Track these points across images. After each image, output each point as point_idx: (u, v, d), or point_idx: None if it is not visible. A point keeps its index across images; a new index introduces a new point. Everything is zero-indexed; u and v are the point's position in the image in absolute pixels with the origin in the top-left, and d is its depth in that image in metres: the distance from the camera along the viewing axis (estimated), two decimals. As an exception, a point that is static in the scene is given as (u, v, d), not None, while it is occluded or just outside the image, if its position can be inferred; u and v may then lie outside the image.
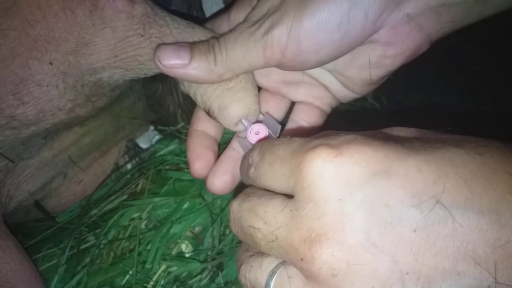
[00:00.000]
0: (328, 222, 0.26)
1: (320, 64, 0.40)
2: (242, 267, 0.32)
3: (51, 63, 0.42)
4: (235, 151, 0.45)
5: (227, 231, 0.61)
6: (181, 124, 0.68)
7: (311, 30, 0.37)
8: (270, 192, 0.32)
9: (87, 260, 0.59)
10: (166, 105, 0.68)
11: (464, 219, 0.24)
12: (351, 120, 0.56)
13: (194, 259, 0.59)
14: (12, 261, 0.50)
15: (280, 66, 0.41)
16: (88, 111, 0.50)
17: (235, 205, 0.33)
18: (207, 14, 0.63)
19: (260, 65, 0.41)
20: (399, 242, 0.25)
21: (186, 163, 0.65)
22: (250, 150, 0.35)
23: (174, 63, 0.40)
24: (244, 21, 0.42)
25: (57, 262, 0.59)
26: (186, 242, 0.60)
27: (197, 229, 0.61)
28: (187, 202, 0.61)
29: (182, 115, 0.69)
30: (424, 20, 0.38)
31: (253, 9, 0.42)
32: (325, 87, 0.46)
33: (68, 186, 0.63)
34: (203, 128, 0.47)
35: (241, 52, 0.40)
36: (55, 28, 0.41)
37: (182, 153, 0.66)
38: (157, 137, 0.70)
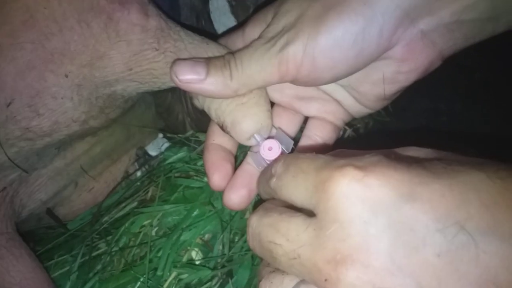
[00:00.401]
0: (353, 244, 0.26)
1: (334, 80, 0.40)
2: (262, 282, 0.32)
3: (66, 76, 0.42)
4: (250, 165, 0.45)
5: (236, 239, 0.61)
6: (190, 132, 0.68)
7: (326, 47, 0.37)
8: (291, 210, 0.31)
9: (99, 267, 0.59)
10: (175, 113, 0.68)
11: (487, 245, 0.24)
12: (357, 128, 0.56)
13: (204, 266, 0.58)
14: (25, 269, 0.50)
15: (295, 82, 0.41)
16: (101, 122, 0.50)
17: (254, 220, 0.32)
18: (215, 24, 0.63)
19: (275, 81, 0.41)
20: (423, 266, 0.25)
21: (196, 171, 0.65)
22: (274, 161, 0.35)
23: (190, 78, 0.40)
24: (259, 37, 0.42)
25: (69, 269, 0.59)
26: (196, 249, 0.60)
27: (206, 236, 0.61)
28: (197, 210, 0.61)
29: (191, 123, 0.68)
30: (437, 36, 0.38)
31: (268, 26, 0.42)
32: (338, 102, 0.46)
33: (79, 194, 0.63)
34: (218, 142, 0.47)
35: (257, 68, 0.40)
36: (70, 41, 0.41)
37: (192, 160, 0.66)
38: (166, 144, 0.70)
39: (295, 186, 0.31)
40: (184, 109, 0.67)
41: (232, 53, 0.42)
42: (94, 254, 0.60)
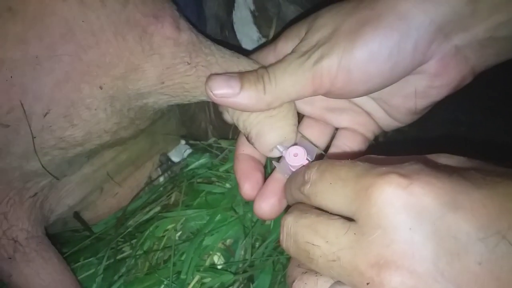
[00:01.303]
0: (398, 250, 0.26)
1: (368, 93, 0.40)
2: (296, 283, 0.31)
3: (101, 88, 0.42)
4: (280, 174, 0.45)
5: (257, 244, 0.60)
6: (212, 139, 0.67)
7: (361, 61, 0.37)
8: (327, 212, 0.31)
9: (123, 270, 0.59)
10: (198, 121, 0.67)
11: None
12: (376, 137, 0.55)
13: (226, 270, 0.58)
14: (54, 272, 0.50)
15: (327, 94, 0.40)
16: (132, 133, 0.50)
17: (289, 220, 0.32)
18: (238, 34, 0.63)
19: (308, 94, 0.40)
20: (465, 274, 0.25)
21: (217, 177, 0.64)
22: (304, 168, 0.34)
23: (224, 92, 0.40)
24: (293, 51, 0.41)
25: (95, 271, 0.58)
26: (218, 254, 0.60)
27: (228, 241, 0.61)
28: (219, 215, 0.61)
29: (213, 131, 0.68)
30: (470, 52, 0.37)
31: (302, 40, 0.41)
32: (369, 114, 0.45)
33: (104, 199, 0.63)
34: (248, 152, 0.46)
35: (290, 82, 0.39)
36: (106, 54, 0.40)
37: (214, 166, 0.66)
38: (188, 151, 0.70)
39: (333, 193, 0.30)
40: (207, 117, 0.67)
41: (265, 67, 0.42)
42: (119, 257, 0.60)
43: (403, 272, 0.26)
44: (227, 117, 0.47)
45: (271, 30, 0.62)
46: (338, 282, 0.29)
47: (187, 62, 0.43)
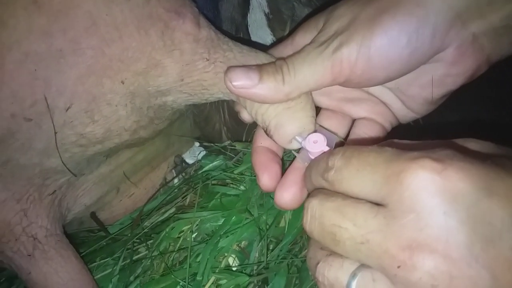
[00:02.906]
0: (432, 234, 0.25)
1: (387, 80, 0.40)
2: (320, 264, 0.31)
3: (122, 82, 0.41)
4: (300, 163, 0.44)
5: (271, 246, 0.59)
6: (227, 142, 0.67)
7: (381, 47, 0.37)
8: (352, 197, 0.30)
9: (139, 270, 0.58)
10: (212, 123, 0.67)
11: None
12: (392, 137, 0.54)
13: (241, 272, 0.57)
14: (72, 270, 0.50)
15: (346, 82, 0.40)
16: (150, 133, 0.50)
17: (315, 203, 0.31)
18: (252, 36, 0.63)
19: (327, 83, 0.40)
20: (499, 260, 0.24)
21: (232, 179, 0.64)
22: (329, 154, 0.33)
23: (244, 83, 0.40)
24: (311, 42, 0.41)
25: (111, 271, 0.58)
26: (233, 255, 0.59)
27: (243, 243, 0.60)
28: (234, 217, 0.60)
29: (227, 133, 0.68)
30: (486, 40, 0.37)
31: (320, 31, 0.41)
32: (386, 105, 0.45)
33: (120, 200, 0.63)
34: (265, 144, 0.46)
35: (309, 71, 0.39)
36: (129, 48, 0.40)
37: (228, 168, 0.65)
38: (203, 153, 0.70)
39: (360, 178, 0.29)
40: (221, 119, 0.66)
41: (283, 58, 0.41)
42: (135, 258, 0.59)
43: (436, 256, 0.25)
44: (245, 115, 0.47)
45: (285, 32, 0.61)
46: (363, 265, 0.29)
47: (206, 58, 0.43)
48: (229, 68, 0.41)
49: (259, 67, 0.41)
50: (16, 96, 0.39)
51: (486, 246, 0.24)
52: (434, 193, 0.26)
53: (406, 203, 0.26)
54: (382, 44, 0.37)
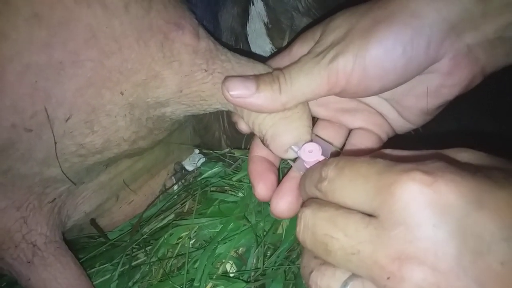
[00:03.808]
0: (421, 246, 0.25)
1: (383, 90, 0.40)
2: (313, 273, 0.31)
3: (121, 94, 0.41)
4: (295, 173, 0.44)
5: (269, 253, 0.60)
6: (226, 149, 0.67)
7: (376, 57, 0.37)
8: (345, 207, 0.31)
9: (138, 276, 0.58)
10: (212, 130, 0.67)
11: None
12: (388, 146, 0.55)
13: (239, 279, 0.57)
14: (71, 276, 0.50)
15: (342, 93, 0.40)
16: (149, 143, 0.50)
17: (308, 212, 0.31)
18: (252, 46, 0.63)
19: (323, 93, 0.40)
20: (487, 273, 0.24)
21: (230, 186, 0.64)
22: (322, 165, 0.33)
23: (241, 93, 0.40)
24: (308, 53, 0.41)
25: (110, 277, 0.58)
26: (231, 262, 0.59)
27: (241, 249, 0.60)
28: (232, 223, 0.60)
29: (227, 140, 0.68)
30: (481, 52, 0.38)
31: (316, 42, 0.41)
32: (383, 115, 0.45)
33: (119, 207, 0.63)
34: (262, 154, 0.46)
35: (306, 81, 0.39)
36: (128, 59, 0.40)
37: (227, 175, 0.65)
38: (202, 160, 0.70)
39: (353, 189, 0.30)
40: (221, 127, 0.66)
41: (280, 69, 0.42)
42: (134, 263, 0.59)
43: (425, 268, 0.25)
44: (242, 126, 0.47)
45: (284, 41, 0.62)
46: (354, 274, 0.29)
47: (204, 69, 0.43)
48: (227, 77, 0.41)
49: (256, 77, 0.41)
50: (16, 107, 0.39)
51: (475, 259, 0.25)
52: (424, 206, 0.26)
53: (397, 215, 0.27)
54: (378, 54, 0.37)
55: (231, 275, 0.58)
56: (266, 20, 0.61)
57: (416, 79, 0.39)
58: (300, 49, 0.44)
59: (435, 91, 0.40)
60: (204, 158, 0.70)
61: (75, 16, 0.38)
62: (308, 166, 0.41)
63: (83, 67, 0.39)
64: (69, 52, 0.38)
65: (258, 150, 0.46)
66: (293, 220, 0.58)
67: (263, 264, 0.57)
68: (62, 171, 0.45)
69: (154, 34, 0.40)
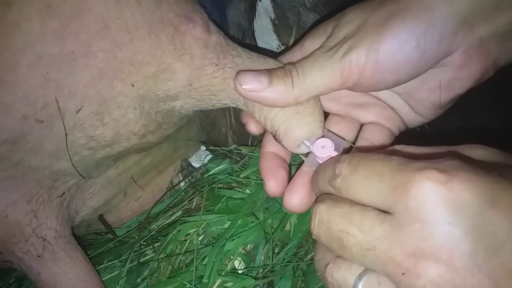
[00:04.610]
0: (436, 243, 0.26)
1: (396, 84, 0.40)
2: (330, 266, 0.31)
3: (132, 85, 0.42)
4: (308, 168, 0.44)
5: (277, 250, 0.60)
6: (233, 146, 0.67)
7: (390, 50, 0.37)
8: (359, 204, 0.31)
9: (146, 272, 0.58)
10: (218, 127, 0.67)
11: None
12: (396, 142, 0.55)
13: (247, 275, 0.57)
14: (81, 271, 0.50)
15: (355, 87, 0.40)
16: (158, 138, 0.50)
17: (323, 208, 0.32)
18: (258, 42, 0.63)
19: (336, 87, 0.40)
20: (501, 269, 0.25)
21: (238, 182, 0.64)
22: (336, 161, 0.34)
23: (253, 87, 0.40)
24: (320, 47, 0.41)
25: (118, 273, 0.58)
26: (239, 258, 0.59)
27: (249, 246, 0.60)
28: (240, 220, 0.60)
29: (233, 137, 0.68)
30: (493, 45, 0.38)
31: (328, 36, 0.41)
32: (394, 109, 0.45)
33: (127, 203, 0.63)
34: (273, 150, 0.46)
35: (318, 75, 0.39)
36: (139, 51, 0.40)
37: (234, 172, 0.65)
38: (209, 156, 0.70)
39: (367, 187, 0.30)
40: (228, 123, 0.67)
41: (293, 63, 0.42)
42: (142, 260, 0.59)
43: (440, 265, 0.26)
44: (251, 127, 0.47)
45: (290, 38, 0.62)
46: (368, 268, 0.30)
47: (215, 64, 0.43)
48: (239, 71, 0.41)
49: (269, 71, 0.41)
50: (28, 98, 0.39)
51: (489, 256, 0.25)
52: (439, 204, 0.26)
53: (412, 213, 0.27)
54: (391, 48, 0.37)
55: (240, 271, 0.58)
56: (273, 16, 0.61)
57: (428, 73, 0.40)
58: (312, 44, 0.44)
59: (447, 84, 0.40)
60: (211, 155, 0.70)
61: (87, 6, 0.38)
62: (320, 162, 0.41)
63: (95, 58, 0.39)
64: (81, 43, 0.38)
65: (269, 146, 0.46)
66: (301, 217, 0.58)
67: (272, 261, 0.57)
68: (72, 164, 0.45)
69: (165, 26, 0.41)
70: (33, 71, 0.38)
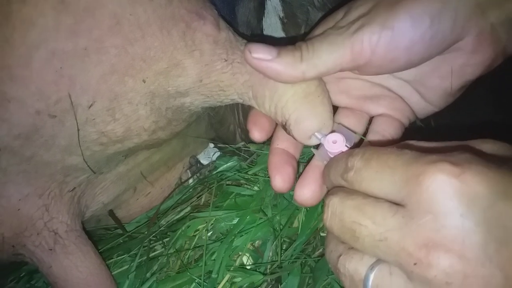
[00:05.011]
0: (448, 235, 0.26)
1: (408, 65, 0.39)
2: (342, 257, 0.32)
3: (144, 81, 0.42)
4: (319, 161, 0.44)
5: (285, 246, 0.60)
6: (241, 143, 0.67)
7: (404, 27, 0.37)
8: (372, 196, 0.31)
9: (155, 267, 0.58)
10: (227, 124, 0.68)
11: None
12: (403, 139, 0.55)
13: (255, 271, 0.58)
14: (91, 265, 0.50)
15: (366, 66, 0.40)
16: (168, 134, 0.50)
17: (336, 200, 0.32)
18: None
19: (346, 64, 0.39)
20: (511, 261, 0.25)
21: (246, 179, 0.64)
22: (348, 155, 0.34)
23: (262, 56, 0.40)
24: (332, 27, 0.41)
25: (128, 268, 0.58)
26: (247, 254, 0.59)
27: (257, 242, 0.60)
28: (248, 216, 0.60)
29: (241, 134, 0.68)
30: (503, 31, 0.38)
31: (342, 18, 0.41)
32: (404, 100, 0.45)
33: (136, 198, 0.63)
34: (282, 146, 0.46)
35: (328, 50, 0.39)
36: (151, 47, 0.41)
37: (242, 169, 0.65)
38: (217, 154, 0.70)
39: (380, 180, 0.30)
40: (236, 121, 0.67)
41: (304, 40, 0.41)
42: (151, 255, 0.60)
43: (452, 256, 0.26)
44: (255, 135, 0.47)
45: (299, 37, 0.62)
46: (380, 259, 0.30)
47: (224, 59, 0.44)
48: (250, 42, 0.42)
49: (280, 46, 0.41)
50: (42, 93, 0.39)
51: (500, 248, 0.25)
52: (451, 196, 0.26)
53: (425, 204, 0.27)
54: (405, 25, 0.37)
55: (248, 267, 0.58)
56: (281, 14, 0.61)
57: (440, 59, 0.40)
58: (322, 30, 0.43)
59: (459, 70, 0.40)
60: (219, 152, 0.70)
61: (101, 3, 0.38)
62: (332, 156, 0.41)
63: (107, 53, 0.39)
64: (94, 39, 0.39)
65: (278, 142, 0.46)
66: (309, 214, 0.58)
67: (280, 257, 0.57)
68: (83, 159, 0.45)
69: (176, 23, 0.41)
70: (46, 66, 0.38)
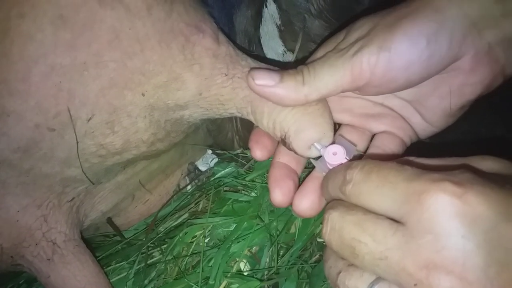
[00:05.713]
0: (449, 256, 0.26)
1: (407, 84, 0.39)
2: (342, 274, 0.31)
3: (143, 95, 0.41)
4: (319, 173, 0.44)
5: (281, 252, 0.59)
6: (239, 150, 0.67)
7: (402, 48, 0.37)
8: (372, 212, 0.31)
9: (154, 274, 0.58)
10: (225, 131, 0.67)
11: None
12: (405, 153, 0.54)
13: (252, 277, 0.57)
14: (89, 274, 0.50)
15: (366, 87, 0.40)
16: (166, 146, 0.50)
17: (335, 215, 0.32)
18: (264, 48, 0.63)
19: (347, 86, 0.39)
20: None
21: (244, 185, 0.64)
22: (346, 167, 0.33)
23: (265, 82, 0.40)
24: (332, 50, 0.41)
25: (126, 275, 0.58)
26: (245, 260, 0.59)
27: (254, 248, 0.60)
28: (245, 223, 0.60)
29: (239, 141, 0.68)
30: (501, 51, 0.37)
31: (340, 41, 0.41)
32: (406, 120, 0.45)
33: (135, 206, 0.63)
34: (284, 160, 0.45)
35: (329, 73, 0.39)
36: (150, 61, 0.40)
37: (240, 175, 0.65)
38: (215, 160, 0.70)
39: (379, 195, 0.30)
40: (234, 128, 0.66)
41: (305, 63, 0.41)
42: (149, 262, 0.59)
43: (453, 278, 0.25)
44: (256, 153, 0.46)
45: (296, 44, 0.61)
46: (380, 277, 0.29)
47: (225, 74, 0.43)
48: (252, 68, 0.42)
49: (282, 70, 0.41)
50: (41, 107, 0.39)
51: (501, 270, 0.25)
52: (453, 216, 0.26)
53: (425, 224, 0.27)
54: (403, 45, 0.37)
55: (245, 273, 0.58)
56: (278, 22, 0.61)
57: (438, 79, 0.39)
58: (323, 51, 0.43)
59: (458, 89, 0.40)
60: (217, 159, 0.70)
61: (99, 17, 0.38)
62: (331, 167, 0.41)
63: (106, 67, 0.39)
64: (93, 53, 0.38)
65: (280, 157, 0.46)
66: (306, 220, 0.58)
67: (277, 263, 0.57)
68: (82, 171, 0.45)
69: (175, 36, 0.40)
70: (45, 81, 0.38)
